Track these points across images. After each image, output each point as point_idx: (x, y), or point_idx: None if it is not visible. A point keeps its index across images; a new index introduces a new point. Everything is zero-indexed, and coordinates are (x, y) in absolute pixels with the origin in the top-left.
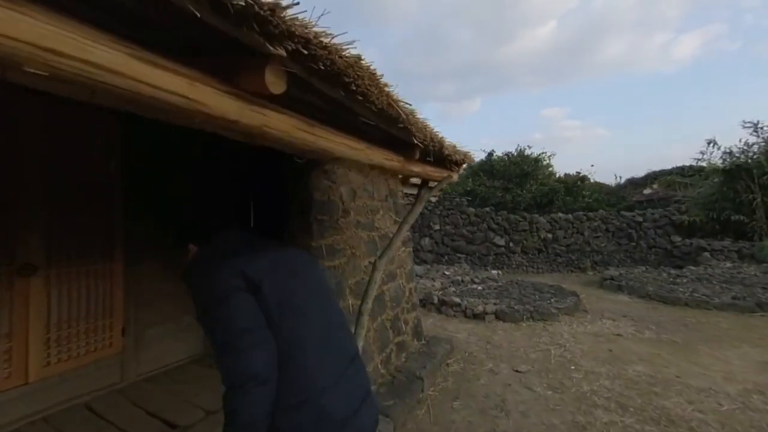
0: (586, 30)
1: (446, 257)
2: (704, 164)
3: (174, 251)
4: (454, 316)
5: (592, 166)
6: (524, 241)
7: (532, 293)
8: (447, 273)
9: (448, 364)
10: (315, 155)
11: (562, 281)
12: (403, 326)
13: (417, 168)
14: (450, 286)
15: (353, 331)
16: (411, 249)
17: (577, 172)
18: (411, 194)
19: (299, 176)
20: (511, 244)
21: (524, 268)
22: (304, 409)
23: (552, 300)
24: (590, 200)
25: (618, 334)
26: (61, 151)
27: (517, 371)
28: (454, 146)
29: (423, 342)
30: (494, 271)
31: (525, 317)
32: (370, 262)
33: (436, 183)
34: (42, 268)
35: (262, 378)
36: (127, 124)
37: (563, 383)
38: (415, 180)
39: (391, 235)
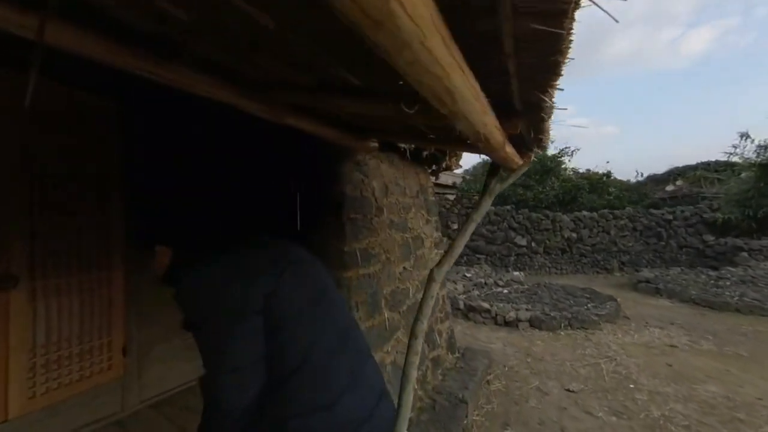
0: (593, 27)
1: (465, 258)
2: (736, 159)
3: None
4: (484, 323)
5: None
6: (547, 241)
7: (564, 297)
8: (468, 275)
9: (488, 382)
10: (429, 90)
11: (590, 283)
12: (438, 338)
13: (508, 149)
14: (473, 289)
15: (405, 359)
16: (442, 251)
17: (587, 171)
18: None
19: (329, 168)
20: (533, 244)
21: (547, 269)
22: (323, 410)
23: (589, 305)
24: (612, 198)
25: (672, 345)
26: (47, 138)
27: (569, 391)
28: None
29: (458, 355)
30: (516, 273)
31: (563, 325)
32: (405, 268)
33: (508, 172)
34: (25, 279)
35: (235, 416)
36: (127, 107)
37: (627, 406)
38: (444, 180)
39: (423, 237)
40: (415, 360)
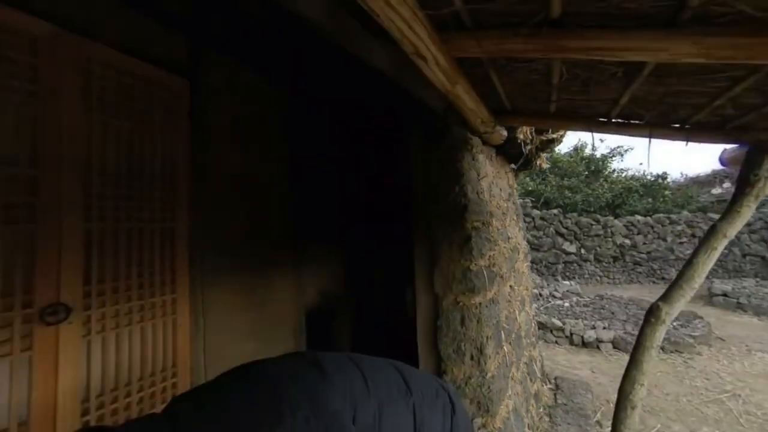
0: None
1: None
2: None
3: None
4: (557, 342)
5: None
6: (597, 248)
7: (640, 312)
8: None
9: (599, 424)
10: None
11: (650, 295)
12: (535, 368)
13: None
14: None
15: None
16: (528, 263)
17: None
18: None
19: (446, 161)
20: (582, 251)
21: (598, 278)
22: None
23: (674, 324)
24: (659, 202)
25: None
26: (108, 127)
27: None
28: None
29: (551, 386)
30: (567, 282)
31: None
32: (511, 286)
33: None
34: (79, 308)
35: None
36: (195, 90)
37: None
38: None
39: (518, 247)
40: None
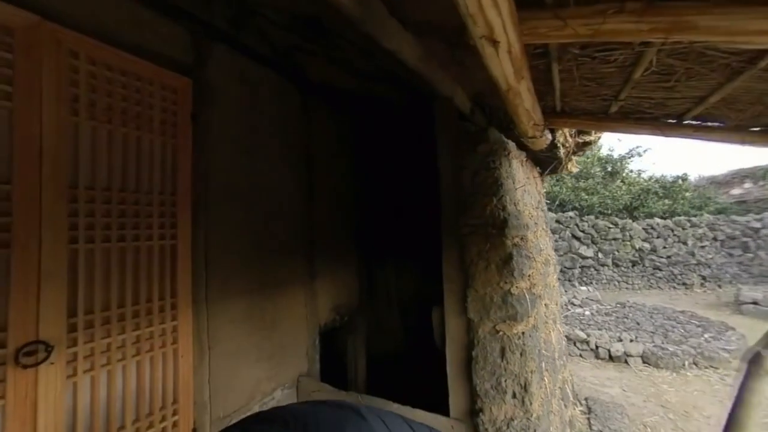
0: None
1: None
2: None
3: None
4: (581, 356)
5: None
6: (616, 252)
7: (669, 324)
8: None
9: None
10: None
11: (671, 301)
12: (568, 391)
13: None
14: None
15: None
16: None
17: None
18: None
19: (468, 167)
20: (599, 255)
21: (616, 283)
22: None
23: (706, 336)
24: (675, 203)
25: None
26: (98, 133)
27: None
28: None
29: (583, 408)
30: (584, 288)
31: (686, 363)
32: (546, 305)
33: None
34: (62, 346)
35: None
36: (197, 90)
37: None
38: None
39: (549, 259)
40: None
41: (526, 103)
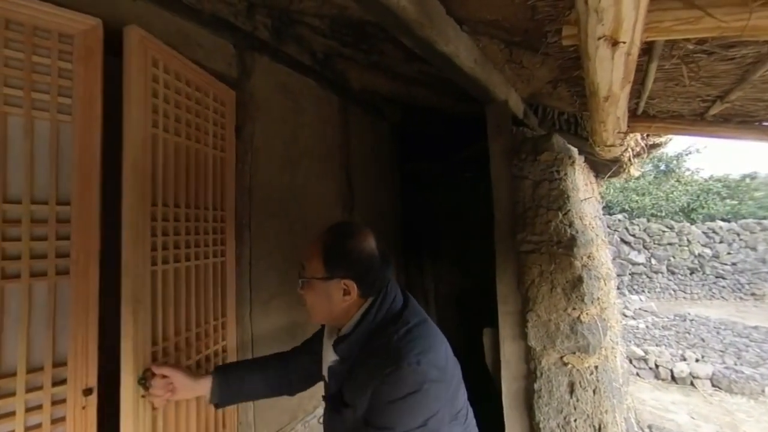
0: None
1: None
2: None
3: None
4: (638, 375)
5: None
6: (671, 258)
7: (738, 340)
8: None
9: None
10: None
11: (739, 314)
12: (632, 419)
13: None
14: None
15: None
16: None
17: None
18: None
19: (528, 178)
20: (652, 261)
21: (671, 292)
22: None
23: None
24: (737, 203)
25: None
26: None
27: None
28: None
29: None
30: (636, 297)
31: (767, 389)
32: (611, 327)
33: None
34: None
35: None
36: (241, 101)
37: None
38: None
39: (611, 273)
40: None
41: (619, 111)
